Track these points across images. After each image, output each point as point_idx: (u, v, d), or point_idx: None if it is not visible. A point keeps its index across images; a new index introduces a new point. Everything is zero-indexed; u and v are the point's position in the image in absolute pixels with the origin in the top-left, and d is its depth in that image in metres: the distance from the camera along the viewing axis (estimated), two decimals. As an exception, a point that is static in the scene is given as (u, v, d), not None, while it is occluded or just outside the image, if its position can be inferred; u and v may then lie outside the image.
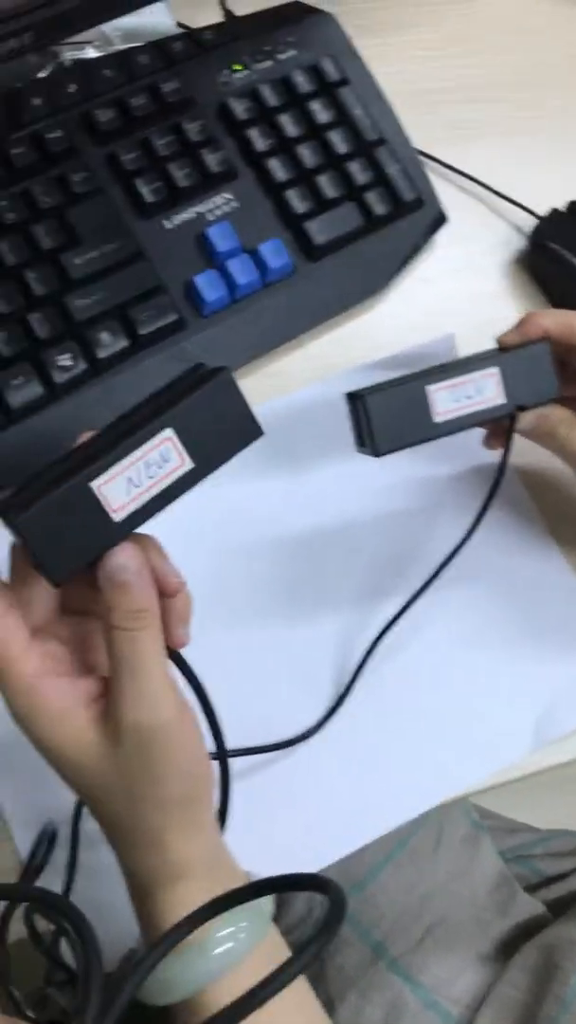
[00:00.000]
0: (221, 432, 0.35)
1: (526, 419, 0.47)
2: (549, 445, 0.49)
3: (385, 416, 0.44)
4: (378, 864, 0.65)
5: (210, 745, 0.40)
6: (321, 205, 0.55)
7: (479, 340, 0.58)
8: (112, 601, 0.34)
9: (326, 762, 0.49)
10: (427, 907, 0.65)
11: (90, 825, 0.44)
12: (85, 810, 0.43)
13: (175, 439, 0.34)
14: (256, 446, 0.49)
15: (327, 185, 0.55)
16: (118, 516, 0.33)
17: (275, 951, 0.41)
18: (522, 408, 0.46)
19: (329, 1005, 0.64)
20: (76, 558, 0.33)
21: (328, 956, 0.64)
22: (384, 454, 0.44)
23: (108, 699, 0.35)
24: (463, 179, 0.61)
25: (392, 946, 0.63)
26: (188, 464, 0.34)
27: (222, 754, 0.41)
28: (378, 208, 0.56)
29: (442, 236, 0.60)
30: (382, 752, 0.50)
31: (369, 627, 0.51)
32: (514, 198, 0.61)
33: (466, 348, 0.57)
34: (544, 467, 0.56)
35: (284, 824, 0.48)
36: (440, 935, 0.64)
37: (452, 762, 0.51)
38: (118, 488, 0.33)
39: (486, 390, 0.45)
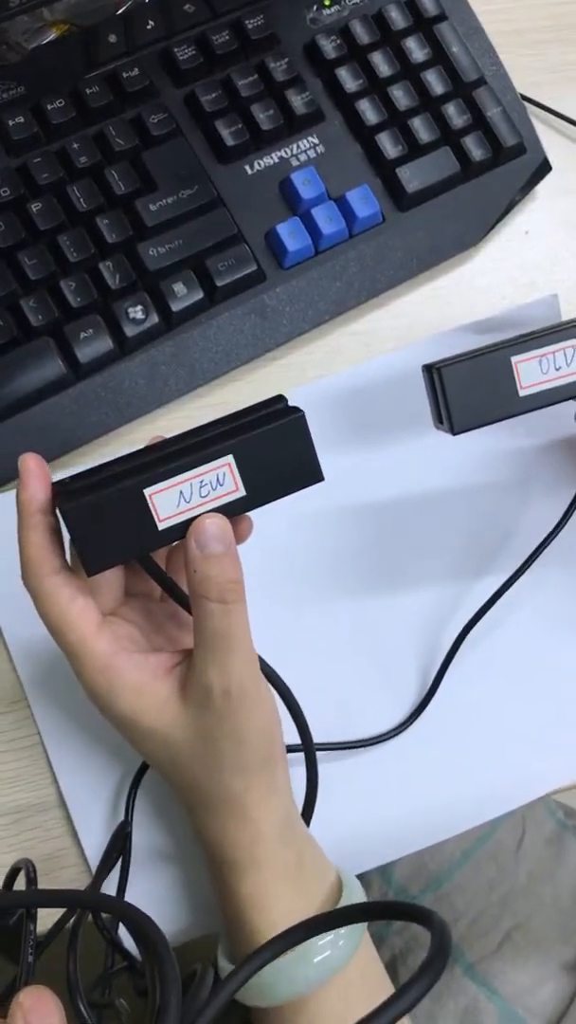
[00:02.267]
0: (281, 470, 0.36)
1: None
2: None
3: (464, 390, 0.40)
4: (456, 862, 0.61)
5: (295, 738, 0.41)
6: (414, 150, 0.51)
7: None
8: (205, 572, 0.34)
9: (409, 754, 0.46)
10: (507, 910, 0.61)
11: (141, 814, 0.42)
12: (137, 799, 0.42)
13: (234, 466, 0.35)
14: (333, 419, 0.46)
15: (421, 128, 0.51)
16: (163, 525, 0.35)
17: (369, 960, 0.41)
18: None
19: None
20: (114, 554, 0.35)
21: (400, 957, 0.60)
22: (462, 431, 0.41)
23: (192, 668, 0.36)
24: (569, 125, 0.56)
25: (469, 950, 0.60)
26: (241, 492, 0.35)
27: (309, 748, 0.41)
28: (476, 153, 0.51)
29: (545, 186, 0.55)
30: (467, 746, 0.46)
31: (457, 612, 0.47)
32: (624, 145, 0.56)
33: (570, 310, 0.53)
34: None
35: (363, 815, 0.45)
36: (521, 941, 0.60)
37: (541, 761, 0.46)
38: (169, 499, 0.34)
39: (574, 360, 0.40)
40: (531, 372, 0.40)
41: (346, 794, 0.45)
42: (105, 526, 0.34)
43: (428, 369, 0.42)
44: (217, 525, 0.34)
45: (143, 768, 0.43)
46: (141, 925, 0.25)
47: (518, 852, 0.63)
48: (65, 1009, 0.24)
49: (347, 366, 0.50)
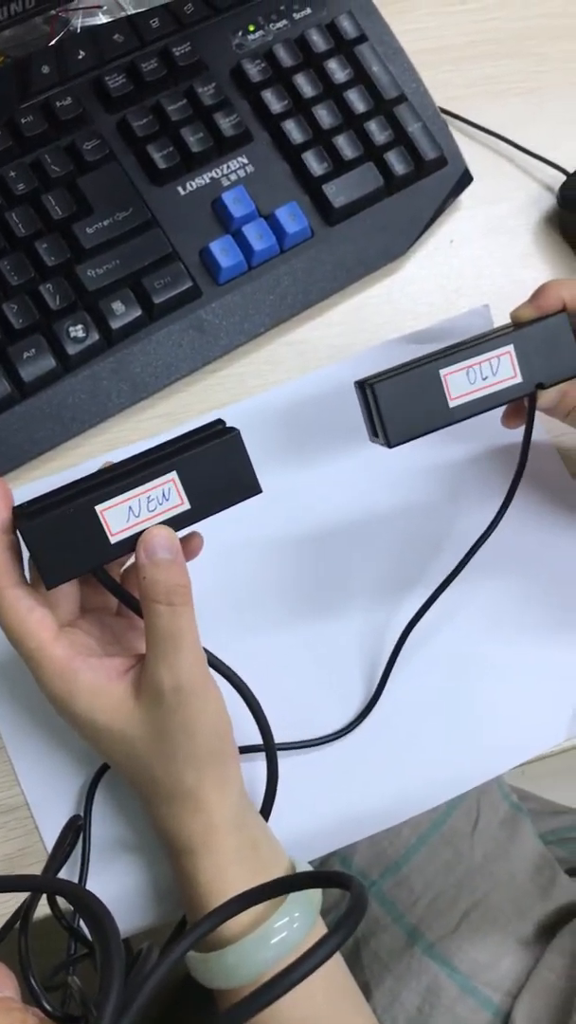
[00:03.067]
0: (222, 484, 0.39)
1: (547, 396, 0.44)
2: (574, 423, 0.47)
3: (397, 404, 0.41)
4: (412, 846, 0.64)
5: (255, 738, 0.44)
6: (339, 166, 0.53)
7: (509, 304, 0.56)
8: (153, 577, 0.37)
9: (361, 749, 0.48)
10: (464, 890, 0.63)
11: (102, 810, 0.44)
12: (97, 796, 0.44)
13: (178, 482, 0.38)
14: (271, 435, 0.49)
15: (345, 146, 0.53)
16: (115, 539, 0.37)
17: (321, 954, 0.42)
18: (541, 386, 0.43)
19: (365, 990, 0.62)
20: (71, 568, 0.37)
21: (363, 941, 0.62)
22: (397, 444, 0.42)
23: (145, 669, 0.38)
24: (488, 137, 0.59)
25: (428, 930, 0.62)
26: (186, 505, 0.38)
27: (269, 745, 0.44)
28: (399, 168, 0.54)
29: (468, 196, 0.58)
30: (413, 739, 0.48)
31: (399, 618, 0.49)
32: (542, 155, 0.59)
33: (498, 313, 0.55)
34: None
35: (320, 805, 0.47)
36: (478, 919, 0.62)
37: (487, 749, 0.49)
38: (119, 515, 0.37)
39: (502, 370, 0.42)
40: (460, 383, 0.42)
41: (304, 787, 0.47)
42: (61, 542, 0.37)
43: (360, 385, 0.44)
44: (164, 535, 0.37)
45: (103, 768, 0.44)
46: (83, 899, 0.27)
47: (473, 835, 0.66)
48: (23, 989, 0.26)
49: (285, 375, 0.52)
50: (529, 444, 0.45)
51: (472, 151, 0.59)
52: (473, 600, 0.50)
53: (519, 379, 0.42)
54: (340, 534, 0.50)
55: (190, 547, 0.42)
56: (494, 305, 0.56)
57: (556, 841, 0.68)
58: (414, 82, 0.56)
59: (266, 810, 0.45)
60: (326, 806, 0.47)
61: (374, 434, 0.44)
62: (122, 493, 0.37)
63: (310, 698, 0.48)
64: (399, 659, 0.48)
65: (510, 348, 0.42)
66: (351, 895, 0.25)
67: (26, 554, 0.38)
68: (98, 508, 0.37)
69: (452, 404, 0.42)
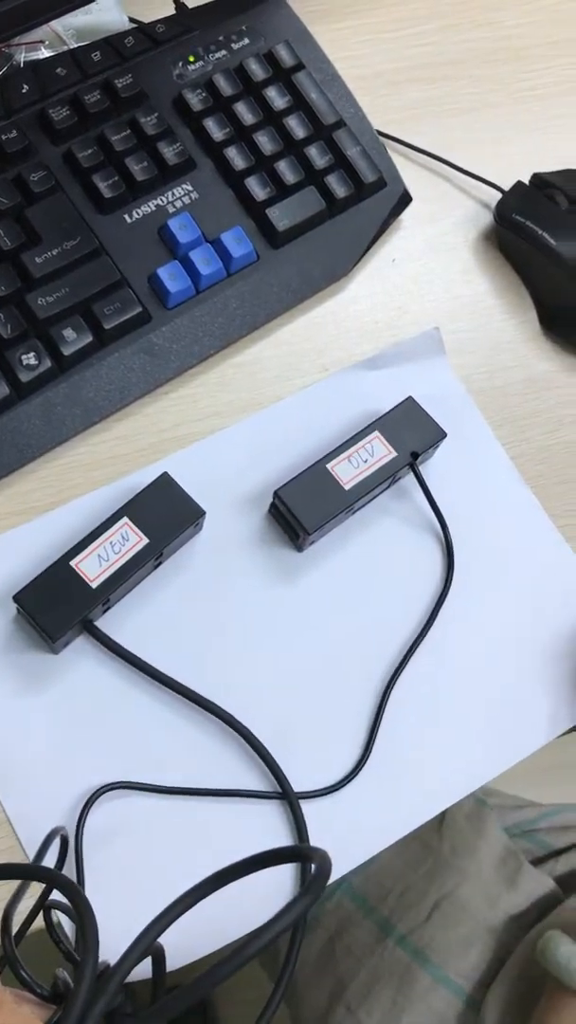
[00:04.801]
0: (169, 515, 0.47)
1: None
2: None
3: (301, 500, 0.49)
4: (380, 847, 0.65)
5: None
6: (282, 191, 0.55)
7: (452, 319, 0.58)
8: None
9: (360, 786, 0.48)
10: (433, 883, 0.65)
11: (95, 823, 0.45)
12: (91, 811, 0.45)
13: (131, 523, 0.47)
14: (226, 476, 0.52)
15: (287, 170, 0.55)
16: (95, 584, 0.45)
17: None
18: (416, 455, 0.51)
19: (339, 985, 0.64)
20: (66, 618, 0.45)
21: (336, 936, 0.64)
22: (315, 531, 0.49)
23: None
24: (426, 158, 0.61)
25: (400, 922, 0.64)
26: (145, 540, 0.46)
27: (288, 794, 0.47)
28: (339, 191, 0.55)
29: (408, 216, 0.60)
30: (409, 765, 0.49)
31: (378, 674, 0.50)
32: (478, 174, 0.61)
33: (443, 328, 0.57)
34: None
35: (325, 842, 0.47)
36: (448, 910, 0.64)
37: (471, 762, 0.50)
38: (92, 563, 0.46)
39: (377, 451, 0.50)
40: (346, 471, 0.50)
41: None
42: (51, 598, 0.45)
43: (273, 505, 0.51)
44: None
45: (98, 791, 0.45)
46: (66, 887, 0.28)
47: (440, 830, 0.67)
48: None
49: (235, 395, 0.54)
50: (435, 502, 0.52)
51: (411, 172, 0.61)
52: (438, 654, 0.51)
53: (395, 454, 0.51)
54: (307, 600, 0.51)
55: None
56: (436, 321, 0.58)
57: (520, 834, 0.70)
58: (352, 107, 0.58)
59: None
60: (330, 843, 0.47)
61: (293, 536, 0.50)
62: (88, 545, 0.46)
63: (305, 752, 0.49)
64: (388, 701, 0.49)
65: (376, 434, 0.51)
66: (315, 863, 0.27)
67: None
68: (72, 563, 0.45)
69: (347, 487, 0.50)
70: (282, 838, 0.47)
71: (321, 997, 0.63)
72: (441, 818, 0.67)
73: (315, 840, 0.47)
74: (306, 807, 0.47)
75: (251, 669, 0.49)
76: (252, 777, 0.47)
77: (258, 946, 0.26)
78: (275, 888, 0.46)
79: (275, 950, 0.69)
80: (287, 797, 0.47)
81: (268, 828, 0.47)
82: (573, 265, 0.58)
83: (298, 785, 0.47)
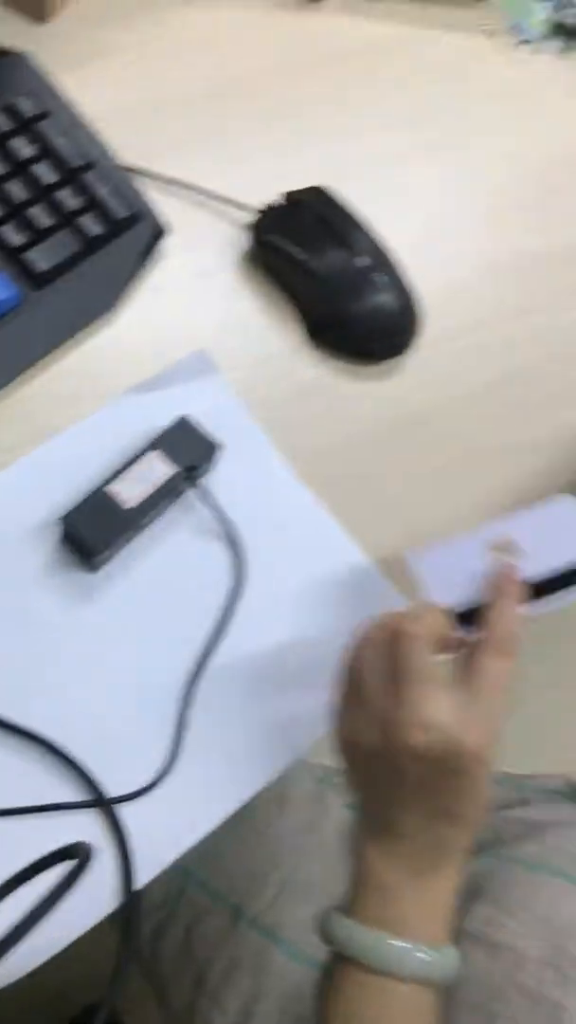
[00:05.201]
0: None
1: None
2: None
3: (85, 525, 0.52)
4: (224, 835, 0.68)
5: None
6: (38, 235, 0.58)
7: (218, 342, 0.62)
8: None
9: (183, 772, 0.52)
10: (277, 864, 0.68)
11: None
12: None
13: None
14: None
15: (40, 215, 0.58)
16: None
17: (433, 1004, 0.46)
18: (194, 468, 0.54)
19: (200, 976, 0.67)
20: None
21: (191, 928, 0.67)
22: (104, 551, 0.52)
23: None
24: (181, 188, 0.65)
25: (248, 908, 0.67)
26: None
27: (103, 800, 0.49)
28: (94, 230, 0.59)
29: (170, 245, 0.63)
30: (211, 753, 0.53)
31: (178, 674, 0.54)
32: (232, 198, 0.65)
33: (212, 351, 0.61)
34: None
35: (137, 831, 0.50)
36: (294, 888, 0.67)
37: (274, 747, 0.54)
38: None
39: (156, 468, 0.54)
40: (126, 490, 0.53)
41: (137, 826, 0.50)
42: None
43: (64, 533, 0.53)
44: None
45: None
46: None
47: (282, 814, 0.71)
48: None
49: (14, 435, 0.56)
50: (219, 509, 0.56)
51: (167, 203, 0.64)
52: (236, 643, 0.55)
53: (173, 470, 0.54)
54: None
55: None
56: (205, 341, 0.61)
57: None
58: (100, 148, 0.62)
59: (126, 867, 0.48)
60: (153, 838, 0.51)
61: (83, 558, 0.53)
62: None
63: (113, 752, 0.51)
64: (193, 699, 0.53)
65: (155, 452, 0.54)
66: (79, 856, 0.30)
67: None
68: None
69: (131, 506, 0.53)
70: (102, 843, 0.50)
71: (185, 989, 0.66)
72: (281, 802, 0.71)
73: (138, 838, 0.50)
74: (126, 809, 0.50)
75: (60, 689, 0.52)
76: (68, 790, 0.50)
77: (17, 933, 0.29)
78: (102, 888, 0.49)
79: (152, 953, 0.70)
80: (102, 803, 0.50)
81: (88, 836, 0.49)
82: (325, 277, 0.63)
83: (119, 790, 0.50)
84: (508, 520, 0.50)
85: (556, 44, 0.81)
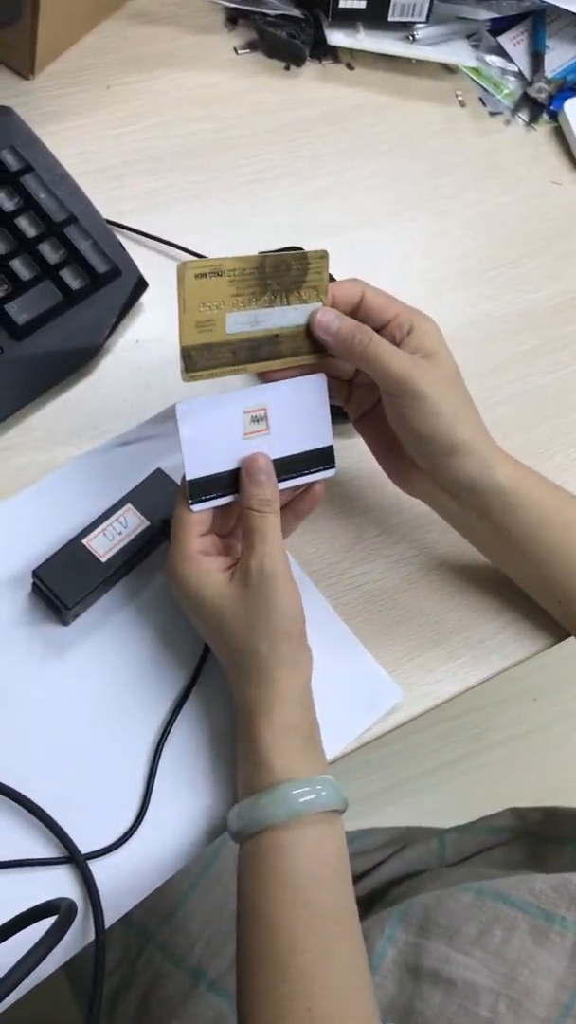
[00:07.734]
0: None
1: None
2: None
3: (60, 576, 0.52)
4: (184, 894, 0.68)
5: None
6: (19, 287, 0.58)
7: (199, 393, 0.63)
8: (252, 492, 0.50)
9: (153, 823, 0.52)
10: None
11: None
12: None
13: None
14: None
15: (21, 268, 0.58)
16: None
17: (336, 835, 0.50)
18: (166, 522, 0.54)
19: (155, 1040, 0.65)
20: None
21: (150, 992, 0.66)
22: (76, 605, 0.52)
23: (240, 561, 0.50)
24: (159, 244, 0.66)
25: (209, 969, 0.66)
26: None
27: (76, 857, 0.49)
28: (74, 283, 0.59)
29: (148, 299, 0.64)
30: (180, 806, 0.53)
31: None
32: (209, 255, 0.67)
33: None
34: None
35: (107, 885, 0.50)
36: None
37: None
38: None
39: (130, 522, 0.54)
40: (101, 544, 0.54)
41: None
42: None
43: (34, 584, 0.53)
44: (262, 461, 0.51)
45: None
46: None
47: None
48: None
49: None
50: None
51: (147, 258, 0.65)
52: (207, 696, 0.55)
53: (148, 523, 0.55)
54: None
55: (309, 500, 0.54)
56: (181, 395, 0.62)
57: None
58: (82, 203, 0.62)
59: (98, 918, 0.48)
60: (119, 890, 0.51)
61: (57, 612, 0.53)
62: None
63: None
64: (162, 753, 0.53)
65: (128, 506, 0.55)
66: (60, 913, 0.30)
67: None
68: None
69: (104, 559, 0.53)
70: (76, 898, 0.49)
71: (144, 1052, 0.65)
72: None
73: (106, 891, 0.50)
74: (96, 865, 0.50)
75: (28, 743, 0.52)
76: (39, 846, 0.49)
77: (5, 987, 0.29)
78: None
79: (109, 1016, 0.69)
80: (74, 859, 0.49)
81: (60, 892, 0.49)
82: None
83: (89, 846, 0.50)
84: (265, 389, 0.52)
85: (524, 115, 0.84)
